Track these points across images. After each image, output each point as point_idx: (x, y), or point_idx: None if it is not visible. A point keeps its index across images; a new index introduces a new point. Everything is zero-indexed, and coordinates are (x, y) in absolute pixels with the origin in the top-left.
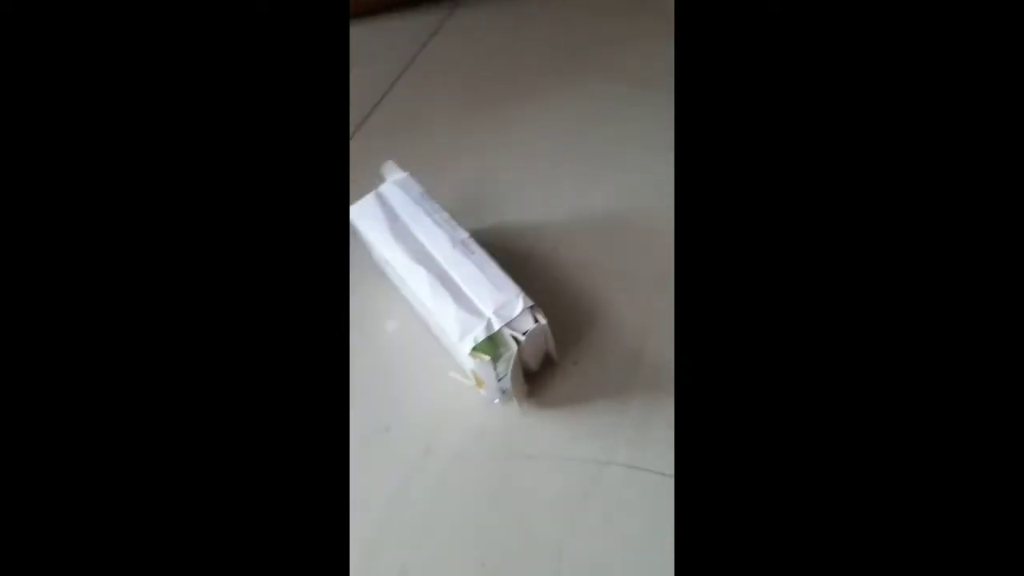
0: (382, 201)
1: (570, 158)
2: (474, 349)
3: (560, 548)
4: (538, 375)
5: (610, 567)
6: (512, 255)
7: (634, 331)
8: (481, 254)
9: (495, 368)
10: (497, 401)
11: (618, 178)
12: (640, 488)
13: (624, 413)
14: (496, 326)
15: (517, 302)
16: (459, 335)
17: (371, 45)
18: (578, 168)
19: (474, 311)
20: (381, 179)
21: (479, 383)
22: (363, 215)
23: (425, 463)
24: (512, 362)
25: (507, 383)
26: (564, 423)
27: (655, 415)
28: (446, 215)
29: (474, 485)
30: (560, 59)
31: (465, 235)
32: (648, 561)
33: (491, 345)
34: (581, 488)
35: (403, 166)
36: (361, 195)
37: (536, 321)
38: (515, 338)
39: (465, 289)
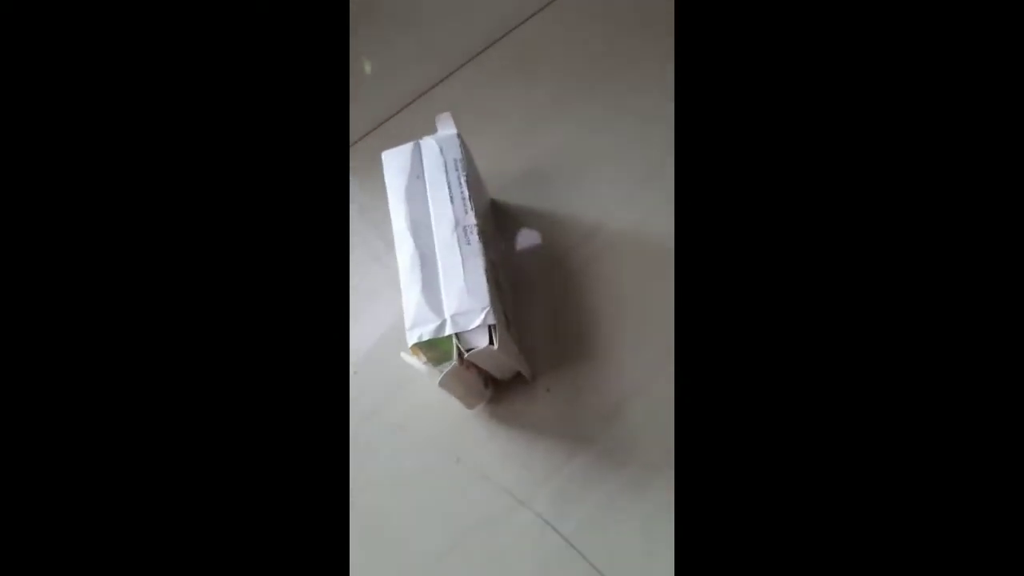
0: (416, 154)
1: (665, 175)
2: (415, 345)
3: (438, 560)
4: (509, 385)
5: None
6: (549, 248)
7: (625, 386)
8: (476, 247)
9: (431, 369)
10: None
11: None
12: (539, 546)
13: (566, 464)
14: (447, 331)
15: (479, 315)
16: (411, 323)
17: None
18: (667, 188)
19: (435, 306)
20: (435, 129)
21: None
22: (392, 162)
23: (367, 423)
24: (450, 374)
25: (446, 387)
26: (506, 445)
27: (594, 484)
28: (467, 192)
29: (392, 464)
30: None
31: (472, 221)
32: None
33: (434, 348)
34: (486, 514)
35: (473, 126)
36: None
37: (491, 343)
38: (459, 350)
39: (440, 279)
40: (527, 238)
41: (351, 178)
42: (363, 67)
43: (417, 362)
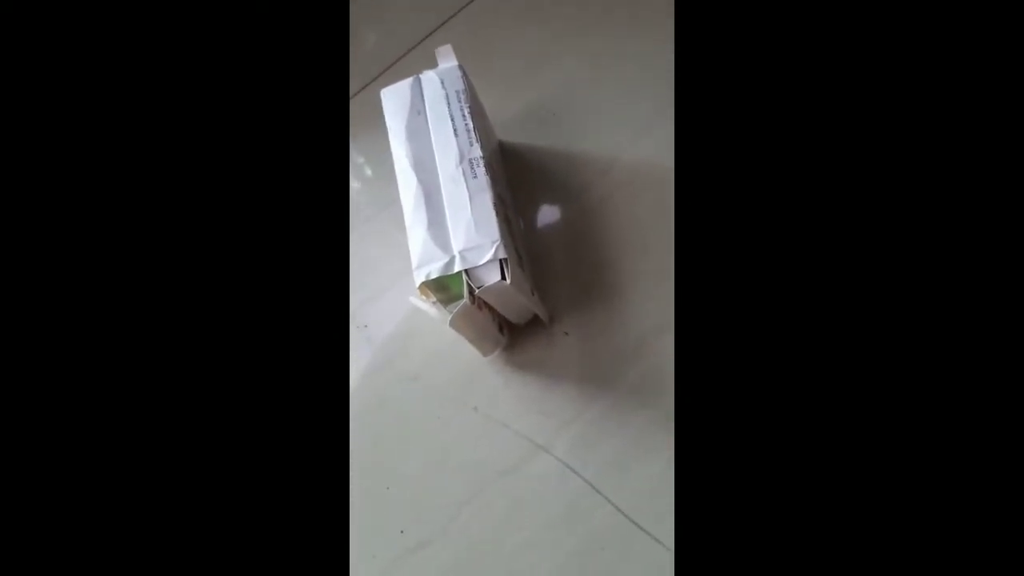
0: (416, 89)
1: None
2: (423, 284)
3: (459, 509)
4: (525, 330)
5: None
6: (562, 187)
7: (646, 327)
8: (482, 180)
9: (442, 310)
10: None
11: None
12: (562, 491)
13: (586, 409)
14: (457, 267)
15: (489, 250)
16: (417, 262)
17: None
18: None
19: (443, 243)
20: (436, 62)
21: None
22: (391, 99)
23: (380, 375)
24: (461, 314)
25: (457, 328)
26: (523, 391)
27: (616, 427)
28: (471, 124)
29: (404, 417)
30: None
31: (478, 153)
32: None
33: (444, 285)
34: (507, 462)
35: (476, 64)
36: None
37: (503, 278)
38: (470, 287)
39: (447, 214)
40: (539, 177)
41: (352, 130)
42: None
43: (427, 304)
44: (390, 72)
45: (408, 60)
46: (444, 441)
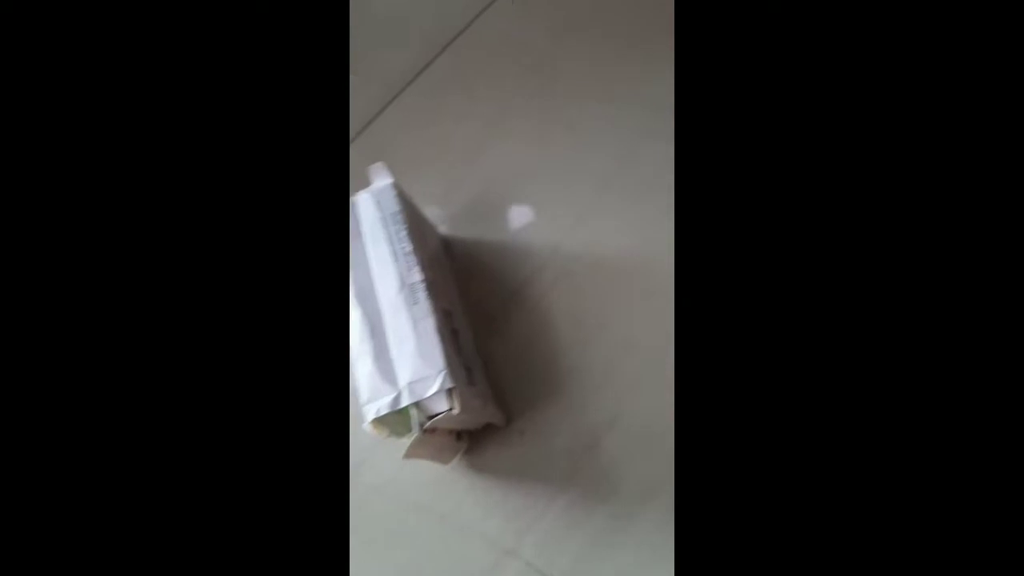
0: (353, 213)
1: (613, 189)
2: (375, 420)
3: None
4: (484, 432)
5: None
6: (504, 283)
7: (596, 420)
8: (424, 306)
9: (397, 440)
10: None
11: (661, 225)
12: None
13: (548, 509)
14: (404, 402)
15: (435, 380)
16: (366, 398)
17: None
18: (621, 202)
19: (389, 377)
20: (370, 182)
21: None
22: None
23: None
24: (415, 445)
25: (413, 456)
26: (486, 495)
27: (579, 523)
28: (408, 247)
29: (374, 527)
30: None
31: (417, 278)
32: None
33: (394, 420)
34: (476, 570)
35: (418, 155)
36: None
37: (450, 409)
38: (420, 420)
39: (391, 346)
40: (484, 272)
41: None
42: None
43: (380, 436)
44: None
45: (354, 148)
46: (414, 555)
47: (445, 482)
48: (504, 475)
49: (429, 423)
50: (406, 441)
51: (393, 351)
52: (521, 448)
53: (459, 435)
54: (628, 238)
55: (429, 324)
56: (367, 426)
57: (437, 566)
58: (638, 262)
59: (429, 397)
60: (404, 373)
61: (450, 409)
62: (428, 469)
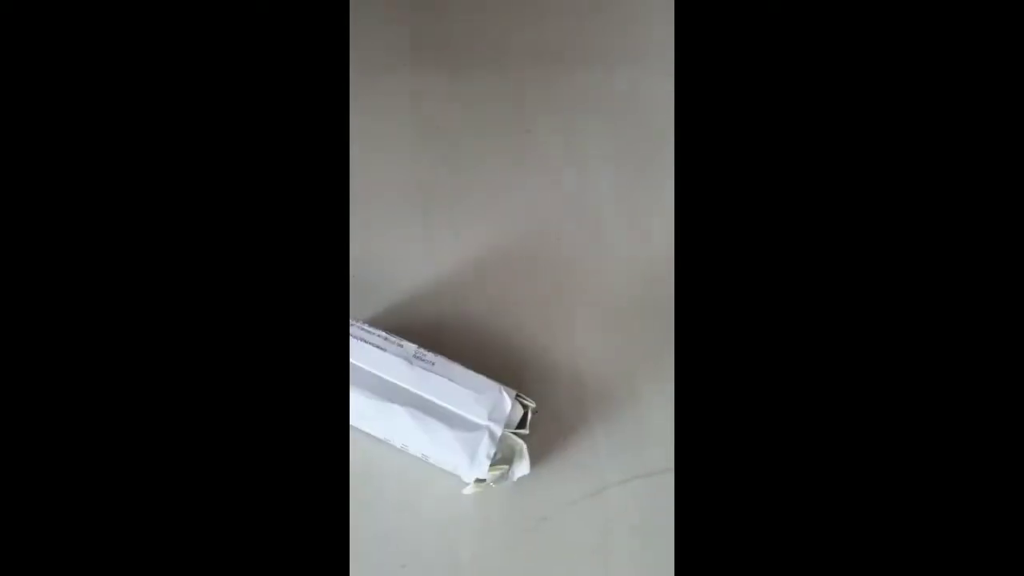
0: None
1: (438, 204)
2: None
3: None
4: None
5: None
6: (423, 332)
7: (563, 356)
8: (440, 361)
9: (511, 469)
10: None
11: (497, 209)
12: (643, 494)
13: (594, 438)
14: (498, 432)
15: (503, 398)
16: (469, 458)
17: None
18: (451, 213)
19: (469, 426)
20: None
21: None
22: None
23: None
24: (522, 453)
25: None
26: (549, 471)
27: (622, 425)
28: (384, 333)
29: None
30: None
31: (413, 347)
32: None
33: (497, 460)
34: (601, 520)
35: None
36: None
37: (525, 409)
38: (517, 434)
39: (448, 406)
40: None
41: None
42: None
43: (487, 483)
44: None
45: None
46: (549, 551)
47: (518, 495)
48: (547, 449)
49: (526, 430)
50: (517, 467)
51: (453, 408)
52: (540, 421)
53: None
54: (497, 237)
55: (456, 369)
56: (469, 488)
57: (574, 547)
58: (505, 250)
59: (509, 413)
60: (478, 413)
61: (525, 410)
62: (499, 508)
